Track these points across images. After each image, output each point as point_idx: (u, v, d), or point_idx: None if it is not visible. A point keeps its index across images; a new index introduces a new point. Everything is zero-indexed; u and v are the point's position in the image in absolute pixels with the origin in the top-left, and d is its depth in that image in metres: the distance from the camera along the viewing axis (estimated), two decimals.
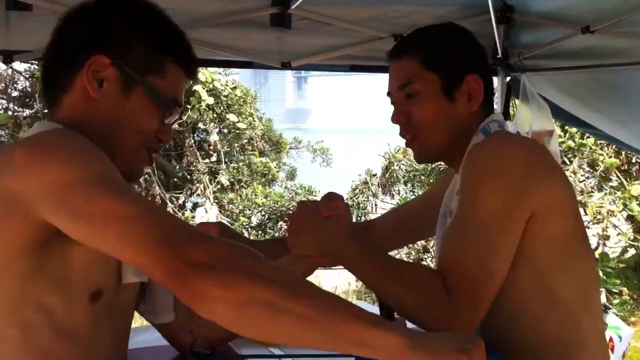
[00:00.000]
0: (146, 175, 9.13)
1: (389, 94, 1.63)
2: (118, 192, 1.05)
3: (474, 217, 1.37)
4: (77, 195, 1.03)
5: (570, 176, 7.10)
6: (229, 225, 8.81)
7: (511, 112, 3.57)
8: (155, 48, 1.27)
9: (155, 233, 1.00)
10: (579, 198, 6.70)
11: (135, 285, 1.35)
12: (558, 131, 5.22)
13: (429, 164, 7.92)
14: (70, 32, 1.27)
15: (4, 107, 8.66)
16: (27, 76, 8.59)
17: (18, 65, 8.28)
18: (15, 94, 8.73)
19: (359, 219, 8.75)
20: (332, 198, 1.56)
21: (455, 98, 1.55)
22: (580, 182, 7.31)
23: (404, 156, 8.64)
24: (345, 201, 1.56)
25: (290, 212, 1.62)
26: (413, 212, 1.94)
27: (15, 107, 8.53)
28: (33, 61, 3.33)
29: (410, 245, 7.40)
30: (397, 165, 8.73)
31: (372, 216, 8.87)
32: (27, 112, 8.27)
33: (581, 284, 1.47)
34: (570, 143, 7.21)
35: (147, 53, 1.26)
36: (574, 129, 6.74)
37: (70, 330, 1.17)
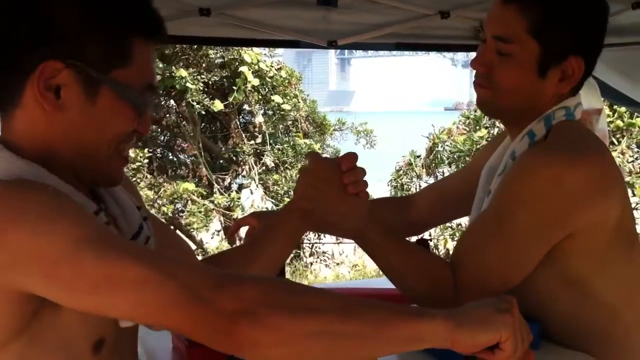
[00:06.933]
0: (193, 157, 9.27)
1: (482, 31, 1.50)
2: (113, 254, 0.91)
3: (507, 228, 1.36)
4: (66, 268, 0.88)
5: (618, 157, 6.99)
6: (273, 205, 8.91)
7: None
8: (114, 32, 1.03)
9: (177, 292, 0.90)
10: (626, 179, 6.59)
11: None
12: (606, 110, 5.14)
13: (474, 146, 7.87)
14: (7, 30, 1.01)
15: None
16: None
17: None
18: None
19: None
20: (353, 168, 1.36)
21: (547, 75, 1.42)
22: (628, 162, 7.20)
23: (448, 137, 8.59)
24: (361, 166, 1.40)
25: (304, 167, 1.46)
26: (451, 186, 1.86)
27: None
28: None
29: None
30: (442, 146, 8.70)
31: None
32: None
33: (622, 286, 1.46)
34: (619, 122, 7.10)
35: (105, 43, 1.02)
36: (623, 108, 6.62)
37: None
